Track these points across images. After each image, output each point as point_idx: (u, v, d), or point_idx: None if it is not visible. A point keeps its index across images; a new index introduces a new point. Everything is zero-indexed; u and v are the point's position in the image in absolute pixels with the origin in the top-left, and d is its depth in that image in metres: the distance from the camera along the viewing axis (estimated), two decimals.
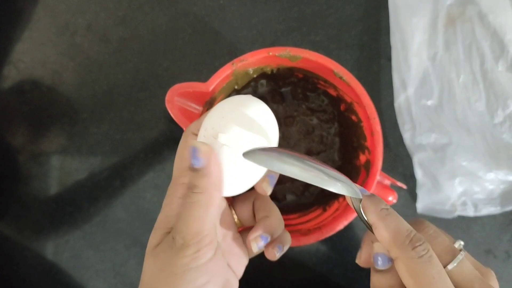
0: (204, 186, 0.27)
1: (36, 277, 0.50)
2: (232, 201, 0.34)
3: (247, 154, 0.26)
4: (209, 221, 0.27)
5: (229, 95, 0.43)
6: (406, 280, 0.25)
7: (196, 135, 0.30)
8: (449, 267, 0.26)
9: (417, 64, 0.48)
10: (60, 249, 0.50)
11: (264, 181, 0.31)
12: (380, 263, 0.28)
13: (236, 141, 0.28)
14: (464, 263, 0.27)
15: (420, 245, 0.25)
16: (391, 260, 0.27)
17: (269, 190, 0.31)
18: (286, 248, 0.33)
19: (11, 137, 0.51)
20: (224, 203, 0.32)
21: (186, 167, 0.28)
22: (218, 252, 0.29)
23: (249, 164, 0.27)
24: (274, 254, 0.31)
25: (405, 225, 0.26)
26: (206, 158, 0.27)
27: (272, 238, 0.32)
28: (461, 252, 0.27)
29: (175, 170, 0.30)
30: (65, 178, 0.51)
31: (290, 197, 0.46)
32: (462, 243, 0.29)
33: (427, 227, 0.29)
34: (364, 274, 0.49)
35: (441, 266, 0.25)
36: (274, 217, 0.32)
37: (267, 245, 0.32)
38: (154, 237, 0.29)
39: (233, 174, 0.29)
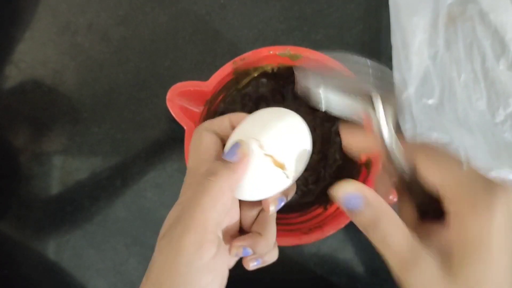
0: (220, 175, 0.27)
1: (37, 276, 0.50)
2: (241, 203, 0.34)
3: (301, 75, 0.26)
4: (214, 217, 0.27)
5: (229, 94, 0.43)
6: (420, 165, 0.24)
7: (210, 132, 0.31)
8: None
9: (418, 63, 0.48)
10: (61, 248, 0.50)
11: (273, 201, 0.31)
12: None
13: (268, 149, 0.28)
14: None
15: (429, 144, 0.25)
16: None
17: (272, 211, 0.31)
18: (265, 263, 0.33)
19: (12, 136, 0.51)
20: (235, 205, 0.32)
21: (206, 159, 0.29)
22: (220, 249, 0.28)
23: (271, 175, 0.29)
24: (248, 265, 0.32)
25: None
26: (241, 156, 0.28)
27: (254, 255, 0.32)
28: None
29: (193, 162, 0.30)
30: (66, 178, 0.51)
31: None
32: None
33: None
34: (365, 274, 0.49)
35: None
36: (266, 238, 0.33)
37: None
38: (164, 226, 0.29)
39: (255, 180, 0.29)
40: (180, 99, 0.37)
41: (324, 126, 0.45)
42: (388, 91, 0.25)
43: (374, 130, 0.25)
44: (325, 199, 0.43)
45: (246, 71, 0.40)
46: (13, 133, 0.51)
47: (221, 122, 0.31)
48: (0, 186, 0.51)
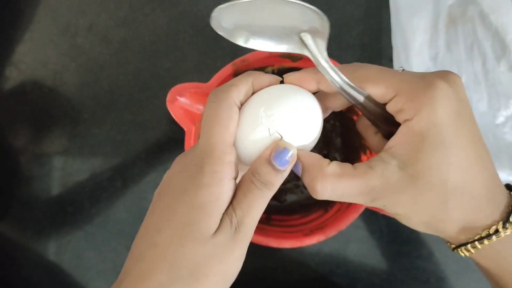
0: (277, 185, 0.26)
1: (37, 277, 0.50)
2: None
3: (214, 22, 0.27)
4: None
5: None
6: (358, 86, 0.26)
7: (238, 106, 0.27)
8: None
9: (419, 64, 0.48)
10: (62, 250, 0.50)
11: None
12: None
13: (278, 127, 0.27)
14: (409, 71, 0.26)
15: (353, 63, 0.27)
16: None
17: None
18: None
19: (12, 137, 0.51)
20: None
21: (231, 144, 0.26)
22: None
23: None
24: None
25: None
26: (292, 163, 0.27)
27: None
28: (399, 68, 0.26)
29: (215, 143, 0.26)
30: (67, 179, 0.51)
31: (291, 198, 0.46)
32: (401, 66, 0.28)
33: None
34: (366, 274, 0.49)
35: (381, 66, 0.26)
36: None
37: None
38: (208, 222, 0.25)
39: (255, 152, 0.28)
40: (180, 101, 0.37)
41: (324, 128, 0.45)
42: (314, 26, 0.26)
43: (317, 68, 0.26)
44: (325, 201, 0.43)
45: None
46: (13, 134, 0.51)
47: (244, 88, 0.28)
48: (0, 187, 0.51)
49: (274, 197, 0.44)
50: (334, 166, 0.26)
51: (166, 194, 0.27)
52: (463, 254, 0.27)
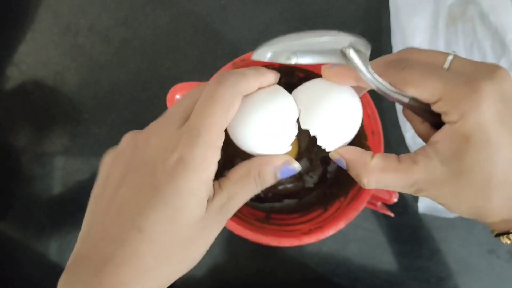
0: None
1: (38, 277, 0.51)
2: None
3: (257, 55, 0.27)
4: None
5: None
6: (404, 90, 0.26)
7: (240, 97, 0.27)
8: (445, 65, 0.26)
9: None
10: (63, 249, 0.50)
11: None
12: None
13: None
14: (459, 59, 0.26)
15: (399, 62, 0.26)
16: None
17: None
18: None
19: (13, 137, 0.51)
20: None
21: (224, 129, 0.26)
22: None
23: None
24: None
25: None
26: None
27: None
28: (451, 53, 0.26)
29: (211, 124, 0.24)
30: (67, 178, 0.51)
31: (290, 198, 0.46)
32: (454, 51, 0.27)
33: (412, 49, 0.28)
34: (366, 275, 0.49)
35: (427, 65, 0.26)
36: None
37: None
38: (197, 208, 0.25)
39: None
40: None
41: None
42: (359, 46, 0.27)
43: (358, 76, 0.27)
44: (325, 200, 0.43)
45: None
46: (14, 134, 0.51)
47: (250, 83, 0.28)
48: (2, 187, 0.51)
49: (274, 199, 0.45)
50: (378, 160, 0.27)
51: (145, 166, 0.25)
52: (504, 241, 0.28)
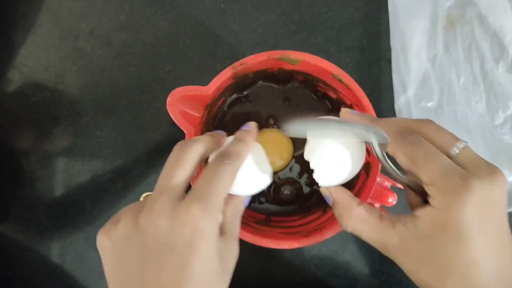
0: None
1: (40, 278, 0.51)
2: None
3: (287, 130, 0.31)
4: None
5: (229, 99, 0.43)
6: (404, 163, 0.28)
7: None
8: (451, 152, 0.27)
9: (417, 66, 0.48)
10: (64, 251, 0.51)
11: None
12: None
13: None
14: (468, 150, 0.27)
15: (411, 135, 0.28)
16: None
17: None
18: None
19: (15, 140, 0.52)
20: None
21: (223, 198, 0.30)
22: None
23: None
24: None
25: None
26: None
27: None
28: (463, 142, 0.28)
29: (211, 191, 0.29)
30: (69, 180, 0.51)
31: (290, 200, 0.46)
32: (466, 141, 0.29)
33: (431, 123, 0.29)
34: (365, 276, 0.49)
35: (434, 148, 0.27)
36: None
37: None
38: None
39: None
40: (180, 104, 0.37)
41: None
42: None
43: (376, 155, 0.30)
44: (324, 203, 0.43)
45: (245, 75, 0.40)
46: (16, 137, 0.52)
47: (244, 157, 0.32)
48: (3, 189, 0.51)
49: (274, 200, 0.45)
50: (362, 210, 0.30)
51: (164, 248, 0.27)
52: None
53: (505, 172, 0.47)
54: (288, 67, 0.40)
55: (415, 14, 0.48)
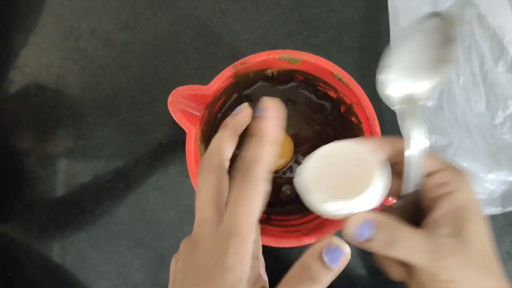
0: (326, 283, 0.27)
1: (41, 278, 0.51)
2: None
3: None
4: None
5: (230, 98, 0.43)
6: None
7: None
8: None
9: None
10: (65, 251, 0.51)
11: None
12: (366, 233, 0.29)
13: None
14: None
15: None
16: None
17: None
18: None
19: (16, 140, 0.52)
20: None
21: (256, 223, 0.26)
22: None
23: None
24: None
25: None
26: (344, 264, 0.27)
27: None
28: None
29: (241, 225, 0.26)
30: (70, 181, 0.51)
31: (291, 199, 0.46)
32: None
33: None
34: (366, 274, 0.49)
35: None
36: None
37: None
38: None
39: None
40: (181, 103, 0.37)
41: (323, 129, 0.45)
42: None
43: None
44: None
45: (246, 74, 0.40)
46: (17, 137, 0.52)
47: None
48: (4, 189, 0.51)
49: (275, 200, 0.45)
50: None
51: (190, 273, 0.27)
52: None
53: (505, 171, 0.47)
54: (288, 66, 0.40)
55: (415, 15, 0.48)
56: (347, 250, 0.26)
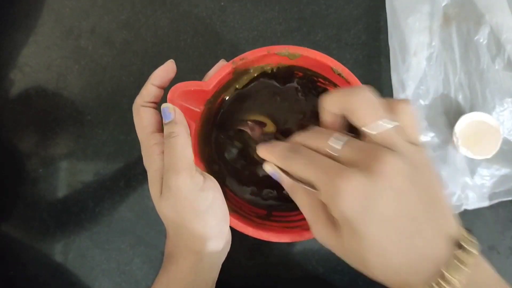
0: (178, 130, 0.34)
1: (42, 276, 0.51)
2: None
3: None
4: (189, 155, 0.33)
5: (230, 94, 0.43)
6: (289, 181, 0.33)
7: (144, 106, 0.37)
8: (367, 131, 0.28)
9: (415, 64, 0.48)
10: (67, 249, 0.51)
11: None
12: None
13: None
14: (353, 143, 0.29)
15: (288, 151, 0.32)
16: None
17: None
18: None
19: (17, 139, 0.52)
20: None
21: (151, 132, 0.36)
22: (205, 175, 0.35)
23: None
24: None
25: None
26: (173, 112, 0.35)
27: None
28: (382, 122, 0.28)
29: (142, 139, 0.36)
30: (71, 179, 0.51)
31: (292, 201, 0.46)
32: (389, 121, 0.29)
33: (361, 94, 0.29)
34: None
35: (309, 154, 0.30)
36: None
37: None
38: (155, 190, 0.34)
39: None
40: (181, 99, 0.37)
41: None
42: None
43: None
44: None
45: (245, 70, 0.40)
46: (19, 136, 0.52)
47: (148, 90, 0.37)
48: (6, 188, 0.52)
49: (276, 197, 0.45)
50: None
51: None
52: None
53: (495, 166, 0.47)
54: (288, 62, 0.40)
55: (412, 13, 0.48)
56: (169, 106, 0.36)
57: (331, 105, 0.31)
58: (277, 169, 0.33)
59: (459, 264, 0.26)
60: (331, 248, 0.31)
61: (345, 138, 0.29)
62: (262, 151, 0.34)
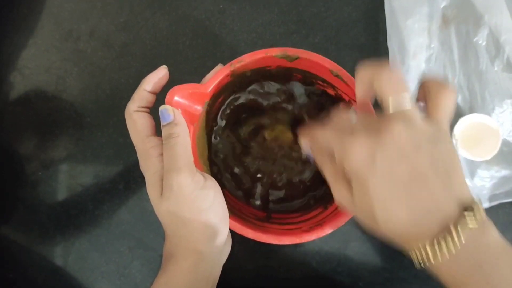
0: (178, 131, 0.35)
1: (42, 279, 0.51)
2: None
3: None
4: (190, 155, 0.34)
5: (228, 96, 0.44)
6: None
7: (136, 111, 0.37)
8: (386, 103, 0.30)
9: (415, 66, 0.48)
10: (66, 252, 0.51)
11: None
12: None
13: None
14: (400, 105, 0.30)
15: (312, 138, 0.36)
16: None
17: None
18: None
19: (17, 141, 0.52)
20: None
21: (146, 136, 0.36)
22: (205, 175, 0.36)
23: None
24: None
25: None
26: (172, 113, 0.35)
27: None
28: (402, 96, 0.30)
29: (138, 143, 0.37)
30: (70, 182, 0.51)
31: (292, 200, 0.46)
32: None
33: (383, 73, 0.31)
34: (367, 273, 0.49)
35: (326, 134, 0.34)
36: None
37: None
38: (155, 192, 0.34)
39: None
40: (179, 101, 0.37)
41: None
42: None
43: None
44: (325, 200, 0.43)
45: (243, 73, 0.40)
46: (18, 139, 0.52)
47: (140, 95, 0.38)
48: (6, 191, 0.52)
49: (276, 200, 0.45)
50: None
51: None
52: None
53: (495, 168, 0.47)
54: (286, 64, 0.40)
55: (411, 15, 0.48)
56: (168, 107, 0.36)
57: (364, 75, 0.32)
58: (309, 145, 0.37)
59: (468, 222, 0.27)
60: (348, 207, 0.32)
61: (364, 113, 0.32)
62: (302, 130, 0.38)
